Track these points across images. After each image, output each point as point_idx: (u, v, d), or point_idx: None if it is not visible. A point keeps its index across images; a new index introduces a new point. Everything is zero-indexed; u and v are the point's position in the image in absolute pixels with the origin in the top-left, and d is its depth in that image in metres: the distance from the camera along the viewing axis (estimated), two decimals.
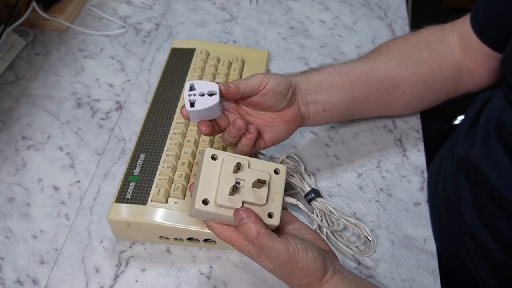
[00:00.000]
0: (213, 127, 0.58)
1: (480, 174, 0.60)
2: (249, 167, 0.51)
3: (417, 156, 0.72)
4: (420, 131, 0.75)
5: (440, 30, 0.70)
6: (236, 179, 0.51)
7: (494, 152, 0.59)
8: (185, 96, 0.55)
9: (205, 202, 0.50)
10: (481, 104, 0.67)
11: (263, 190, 0.51)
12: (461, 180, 0.64)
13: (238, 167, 0.50)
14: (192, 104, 0.55)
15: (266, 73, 0.60)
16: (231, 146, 0.61)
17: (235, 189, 0.49)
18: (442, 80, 0.69)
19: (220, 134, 0.61)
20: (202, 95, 0.55)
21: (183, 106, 0.56)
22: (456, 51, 0.69)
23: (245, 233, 0.48)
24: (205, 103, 0.55)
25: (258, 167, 0.52)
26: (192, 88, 0.55)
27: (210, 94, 0.55)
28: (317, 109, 0.65)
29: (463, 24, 0.69)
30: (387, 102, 0.70)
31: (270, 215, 0.51)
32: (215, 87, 0.55)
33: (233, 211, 0.50)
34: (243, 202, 0.50)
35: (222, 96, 0.56)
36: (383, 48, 0.70)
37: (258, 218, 0.49)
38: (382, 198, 0.67)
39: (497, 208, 0.58)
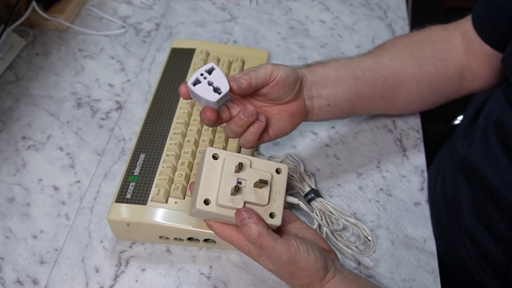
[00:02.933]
0: (218, 115, 0.55)
1: (480, 174, 0.60)
2: (250, 166, 0.51)
3: (417, 156, 0.72)
4: (420, 131, 0.75)
5: (443, 29, 0.70)
6: (238, 179, 0.50)
7: (493, 152, 0.59)
8: (197, 72, 0.53)
9: (206, 202, 0.50)
10: (479, 102, 0.67)
11: (265, 190, 0.50)
12: (460, 180, 0.64)
13: (240, 167, 0.50)
14: (195, 83, 0.53)
15: (275, 64, 0.58)
16: (234, 137, 0.58)
17: (237, 189, 0.49)
18: (446, 79, 0.69)
19: (219, 134, 0.60)
20: (210, 84, 0.53)
21: (185, 83, 0.54)
22: (459, 50, 0.68)
23: (247, 233, 0.48)
24: (204, 92, 0.53)
25: (260, 167, 0.52)
26: (209, 71, 0.54)
27: (215, 90, 0.53)
28: (322, 104, 0.64)
29: (466, 24, 0.68)
30: (391, 100, 0.70)
31: (271, 215, 0.51)
32: (224, 88, 0.53)
33: (235, 211, 0.49)
34: (244, 202, 0.50)
35: (233, 92, 0.54)
36: (387, 45, 0.70)
37: (259, 218, 0.49)
38: (382, 198, 0.67)
39: (497, 208, 0.58)
